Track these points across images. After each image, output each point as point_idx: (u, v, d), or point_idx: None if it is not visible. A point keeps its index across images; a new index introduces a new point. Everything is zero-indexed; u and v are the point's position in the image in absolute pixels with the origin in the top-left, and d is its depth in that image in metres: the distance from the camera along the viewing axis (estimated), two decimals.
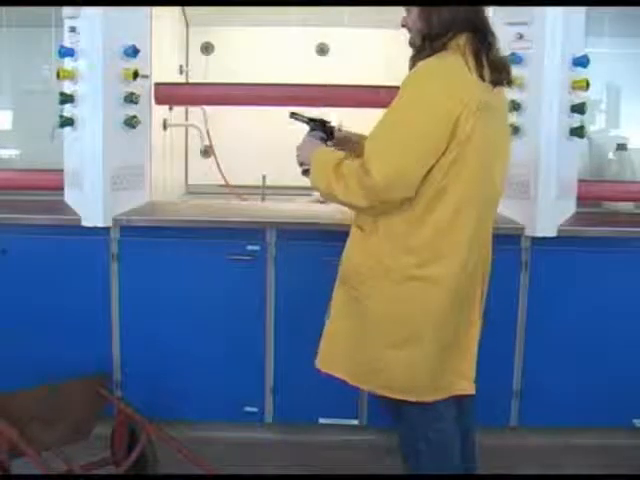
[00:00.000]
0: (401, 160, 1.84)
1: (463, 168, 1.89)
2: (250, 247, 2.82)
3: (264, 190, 3.50)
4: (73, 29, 2.79)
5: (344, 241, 2.69)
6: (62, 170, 3.00)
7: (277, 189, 3.56)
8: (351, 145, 2.27)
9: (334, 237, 2.65)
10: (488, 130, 1.92)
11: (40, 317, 2.86)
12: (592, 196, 3.05)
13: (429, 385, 2.03)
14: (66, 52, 2.80)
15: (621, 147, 3.19)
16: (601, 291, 2.85)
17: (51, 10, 3.07)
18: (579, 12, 2.74)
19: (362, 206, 1.94)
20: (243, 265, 2.81)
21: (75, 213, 2.86)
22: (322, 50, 3.81)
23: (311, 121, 2.29)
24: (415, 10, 1.99)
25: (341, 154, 2.04)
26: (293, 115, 2.35)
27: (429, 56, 1.92)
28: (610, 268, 2.84)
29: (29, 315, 2.87)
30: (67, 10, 2.83)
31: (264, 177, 3.48)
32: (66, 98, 2.80)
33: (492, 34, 1.97)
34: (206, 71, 3.78)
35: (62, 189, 3.01)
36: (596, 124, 3.38)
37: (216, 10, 3.46)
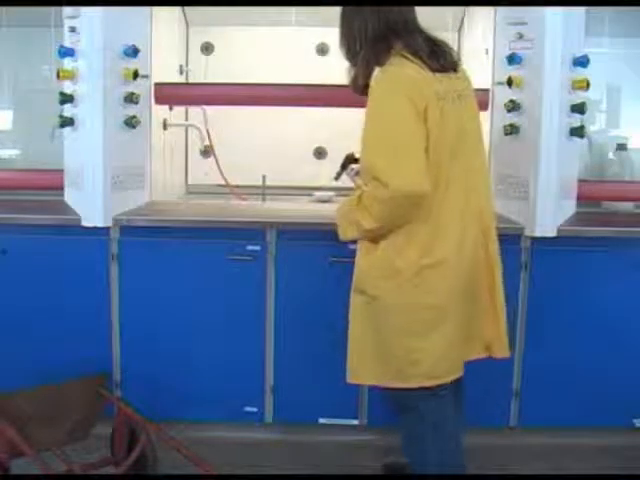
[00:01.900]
0: (408, 160, 1.95)
1: (435, 157, 1.99)
2: (250, 247, 2.82)
3: (264, 190, 3.50)
4: (73, 29, 2.79)
5: (344, 241, 2.70)
6: (62, 170, 3.00)
7: (277, 189, 3.55)
8: None
9: (334, 237, 2.65)
10: (452, 113, 2.02)
11: (40, 317, 2.86)
12: (592, 196, 3.05)
13: (458, 363, 2.14)
14: (66, 52, 2.79)
15: (621, 147, 3.19)
16: (601, 291, 2.85)
17: (51, 10, 3.07)
18: (579, 12, 2.74)
19: (386, 223, 2.04)
20: (243, 265, 2.81)
21: (75, 213, 2.86)
22: (322, 50, 3.80)
23: (343, 167, 2.46)
24: (339, 32, 2.21)
25: (356, 194, 2.14)
26: (337, 177, 2.53)
27: (370, 67, 2.07)
28: (610, 268, 2.84)
29: (29, 315, 2.87)
30: (67, 10, 2.83)
31: (264, 177, 3.48)
32: (66, 98, 2.80)
33: (419, 30, 2.10)
34: (206, 71, 3.78)
35: (62, 189, 3.02)
36: (596, 124, 3.38)
37: (216, 10, 3.46)
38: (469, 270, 2.10)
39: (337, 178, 2.52)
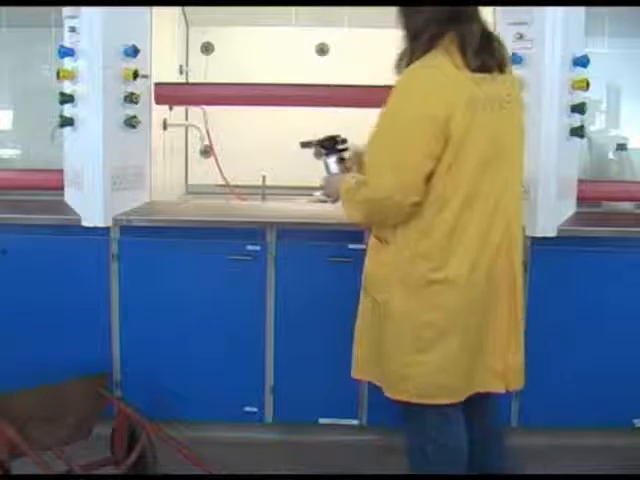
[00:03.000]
0: (397, 168, 1.87)
1: (460, 170, 1.88)
2: (250, 247, 2.82)
3: (264, 190, 3.50)
4: (73, 29, 2.79)
5: (344, 241, 2.70)
6: (62, 170, 3.00)
7: (277, 189, 3.56)
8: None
9: (334, 237, 2.66)
10: (487, 123, 1.90)
11: (40, 317, 2.86)
12: (592, 196, 3.05)
13: (455, 387, 2.02)
14: (66, 52, 2.80)
15: (621, 147, 3.19)
16: (601, 291, 2.85)
17: (51, 10, 3.07)
18: (579, 12, 2.74)
19: (358, 220, 2.01)
20: (243, 265, 2.81)
21: (75, 213, 2.86)
22: (322, 50, 3.81)
23: (321, 144, 2.28)
24: (398, 14, 1.99)
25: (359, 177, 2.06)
26: (303, 145, 2.35)
27: (413, 57, 1.92)
28: (610, 268, 2.84)
29: (29, 315, 2.87)
30: (67, 10, 2.84)
31: (264, 177, 3.48)
32: (66, 98, 2.80)
33: (478, 23, 1.93)
34: (206, 71, 3.78)
35: (62, 189, 3.02)
36: (596, 124, 3.38)
37: (216, 10, 3.46)
38: (482, 294, 1.98)
39: (305, 146, 2.36)
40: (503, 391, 2.09)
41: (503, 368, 2.06)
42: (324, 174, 2.28)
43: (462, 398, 2.04)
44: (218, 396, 2.90)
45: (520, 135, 2.04)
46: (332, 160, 2.25)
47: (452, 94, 1.85)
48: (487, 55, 1.92)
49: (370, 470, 2.73)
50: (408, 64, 1.94)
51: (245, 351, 2.88)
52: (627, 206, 3.17)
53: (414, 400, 2.01)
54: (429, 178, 1.89)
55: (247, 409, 2.91)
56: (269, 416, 2.93)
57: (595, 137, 3.26)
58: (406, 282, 1.97)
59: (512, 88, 2.00)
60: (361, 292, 2.14)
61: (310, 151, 3.90)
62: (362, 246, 2.78)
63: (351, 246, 2.77)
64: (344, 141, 2.28)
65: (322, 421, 2.92)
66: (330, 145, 2.26)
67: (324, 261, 2.79)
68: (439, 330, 1.97)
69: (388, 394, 2.07)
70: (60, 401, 2.47)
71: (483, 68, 1.90)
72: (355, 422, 2.93)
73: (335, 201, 2.19)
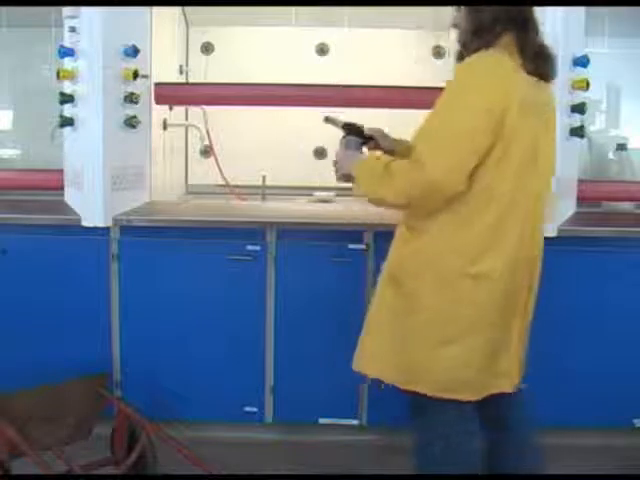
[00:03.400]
0: (453, 153, 1.87)
1: (508, 166, 1.91)
2: (250, 247, 2.82)
3: (264, 190, 3.50)
4: (73, 29, 2.78)
5: (344, 241, 2.70)
6: (62, 170, 3.00)
7: (277, 189, 3.56)
8: (388, 146, 2.29)
9: (334, 237, 2.66)
10: (532, 126, 1.94)
11: (40, 317, 2.86)
12: (592, 196, 3.05)
13: (478, 383, 2.03)
14: (66, 52, 2.79)
15: (621, 147, 3.19)
16: (601, 291, 2.85)
17: (51, 10, 3.07)
18: (579, 12, 2.74)
19: (405, 202, 1.95)
20: (243, 265, 2.81)
21: (75, 213, 2.86)
22: (322, 50, 3.81)
23: (346, 126, 2.26)
24: (464, 9, 2.02)
25: (388, 158, 2.04)
26: (328, 120, 2.33)
27: (475, 51, 1.95)
28: (610, 268, 2.84)
29: (29, 315, 2.87)
30: (67, 10, 2.83)
31: (264, 177, 3.48)
32: (66, 98, 2.80)
33: (536, 30, 1.99)
34: (206, 71, 3.78)
35: (62, 189, 3.02)
36: (596, 124, 3.38)
37: (216, 10, 3.46)
38: (510, 291, 2.01)
39: (329, 121, 2.33)
40: (510, 390, 2.09)
41: (509, 366, 2.07)
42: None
43: (484, 395, 2.04)
44: (218, 396, 2.90)
45: (554, 146, 2.09)
46: (353, 139, 2.22)
47: (509, 89, 1.89)
48: (541, 61, 1.98)
49: (370, 470, 2.73)
50: (466, 56, 1.98)
51: (245, 351, 2.88)
52: (627, 206, 3.17)
53: (437, 394, 2.00)
54: (474, 170, 1.90)
55: (247, 409, 2.91)
56: (269, 416, 2.93)
57: (595, 137, 3.26)
58: (439, 274, 1.97)
59: (550, 98, 2.06)
60: (380, 282, 2.12)
61: (310, 151, 3.92)
62: (362, 246, 2.79)
63: (351, 246, 2.77)
64: (365, 134, 2.28)
65: (322, 421, 2.92)
66: (355, 129, 2.25)
67: (324, 261, 2.79)
68: (467, 325, 1.98)
69: (408, 387, 2.04)
70: (60, 401, 2.47)
71: (536, 73, 1.96)
72: (355, 422, 2.93)
73: (341, 178, 2.15)
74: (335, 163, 2.16)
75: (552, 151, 2.09)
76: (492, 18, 1.96)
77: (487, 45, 1.95)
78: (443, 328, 1.99)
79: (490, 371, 2.04)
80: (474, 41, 1.98)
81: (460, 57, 2.04)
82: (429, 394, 2.01)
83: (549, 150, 2.07)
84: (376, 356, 2.10)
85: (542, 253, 2.14)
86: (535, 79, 1.97)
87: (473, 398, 2.03)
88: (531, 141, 1.95)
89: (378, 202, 2.02)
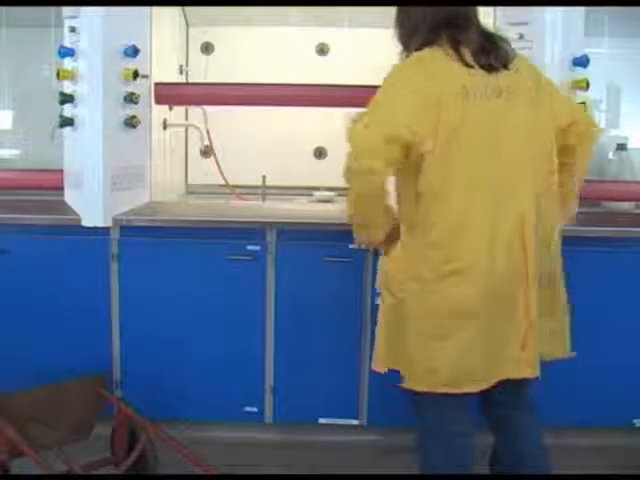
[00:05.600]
0: (373, 130, 1.89)
1: (454, 159, 1.91)
2: (250, 247, 2.82)
3: (264, 190, 3.50)
4: (73, 29, 2.79)
5: (344, 241, 2.70)
6: (62, 170, 3.00)
7: (277, 189, 3.56)
8: None
9: (334, 237, 2.66)
10: (482, 110, 1.93)
11: (40, 317, 2.87)
12: (592, 196, 3.05)
13: (478, 373, 2.04)
14: (66, 52, 2.80)
15: (621, 147, 3.19)
16: (601, 291, 2.85)
17: (51, 10, 3.07)
18: (579, 12, 2.74)
19: (352, 204, 2.01)
20: (243, 265, 2.81)
21: (75, 213, 2.86)
22: (322, 50, 3.81)
23: None
24: (397, 10, 2.09)
25: None
26: None
27: (417, 51, 2.00)
28: (610, 268, 2.84)
29: (29, 315, 2.87)
30: (67, 10, 2.84)
31: (264, 177, 3.48)
32: (66, 98, 2.80)
33: (475, 29, 2.01)
34: (206, 71, 3.78)
35: (62, 189, 3.02)
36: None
37: (216, 10, 3.46)
38: (501, 280, 1.98)
39: None
40: (524, 376, 2.11)
41: (517, 355, 2.07)
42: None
43: (485, 386, 2.04)
44: (218, 396, 2.90)
45: (532, 122, 2.01)
46: None
47: (443, 76, 1.92)
48: (484, 57, 1.97)
49: (370, 470, 2.73)
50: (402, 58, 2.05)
51: (245, 351, 2.88)
52: (627, 206, 3.17)
53: (440, 390, 2.01)
54: (419, 168, 1.92)
55: (247, 409, 2.91)
56: (269, 416, 2.93)
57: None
58: (420, 278, 1.99)
59: (522, 79, 2.01)
60: (382, 290, 2.16)
61: (310, 151, 3.91)
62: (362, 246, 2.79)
63: (351, 246, 2.76)
64: None
65: (322, 421, 2.92)
66: None
67: (324, 261, 2.79)
68: (459, 319, 1.98)
69: (414, 388, 2.06)
70: (60, 401, 2.47)
71: (485, 68, 1.96)
72: (355, 422, 2.93)
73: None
74: None
75: (533, 129, 2.01)
76: (423, 18, 2.01)
77: (426, 44, 1.99)
78: (436, 328, 2.00)
79: (491, 360, 2.04)
80: (412, 42, 2.03)
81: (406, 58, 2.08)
82: (429, 391, 2.03)
83: (526, 128, 1.99)
84: (385, 357, 2.16)
85: (551, 240, 2.09)
86: (481, 71, 1.96)
87: (477, 389, 2.04)
88: (489, 123, 1.94)
89: (350, 219, 2.08)
